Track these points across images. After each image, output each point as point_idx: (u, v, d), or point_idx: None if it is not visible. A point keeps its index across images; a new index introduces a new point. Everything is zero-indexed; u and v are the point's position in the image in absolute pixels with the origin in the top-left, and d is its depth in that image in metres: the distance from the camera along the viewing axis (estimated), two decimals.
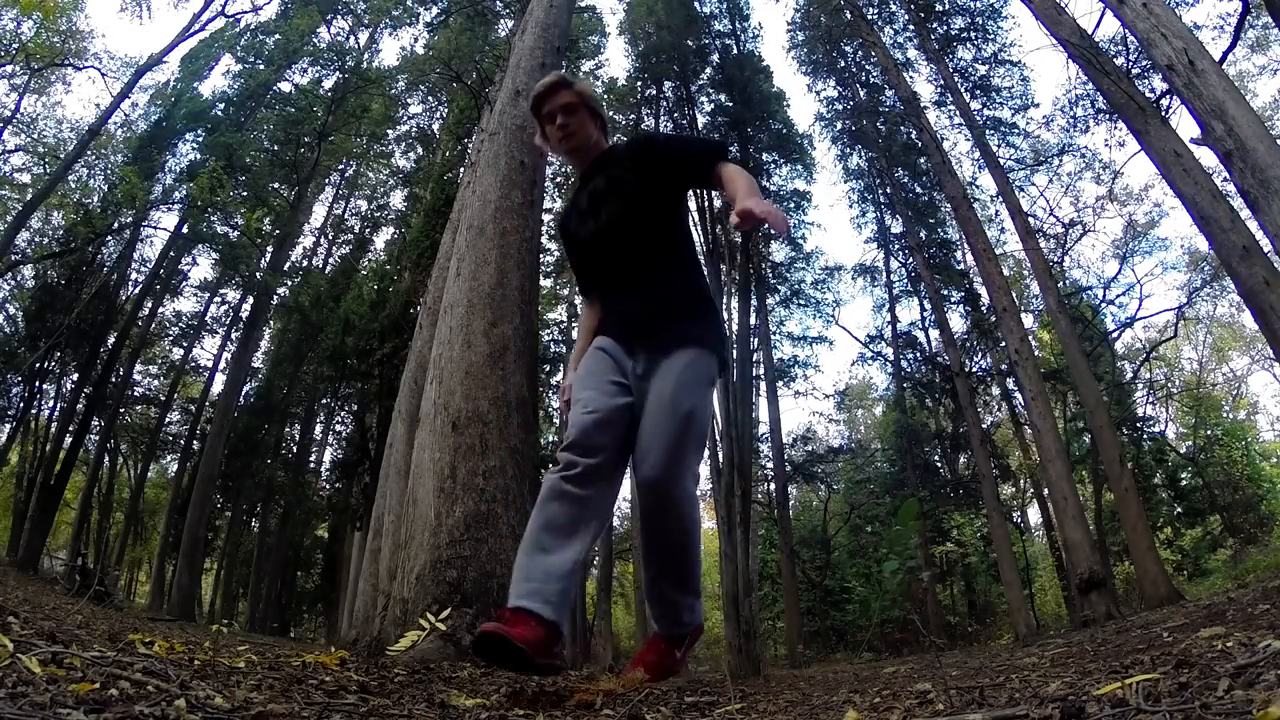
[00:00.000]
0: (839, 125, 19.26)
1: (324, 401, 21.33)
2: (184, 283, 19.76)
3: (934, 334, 17.95)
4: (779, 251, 18.96)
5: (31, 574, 11.75)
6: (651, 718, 1.55)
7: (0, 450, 15.98)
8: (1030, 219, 13.49)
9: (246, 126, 16.45)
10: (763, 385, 17.95)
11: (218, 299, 20.33)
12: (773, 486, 18.35)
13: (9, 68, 14.22)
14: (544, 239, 18.20)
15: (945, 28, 16.34)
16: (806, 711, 1.54)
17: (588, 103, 2.16)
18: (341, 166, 21.84)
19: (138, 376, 19.83)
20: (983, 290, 15.17)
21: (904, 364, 19.13)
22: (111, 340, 15.77)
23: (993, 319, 14.43)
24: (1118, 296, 17.28)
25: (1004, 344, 12.74)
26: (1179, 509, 16.37)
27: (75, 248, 14.81)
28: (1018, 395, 15.18)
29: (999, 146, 15.55)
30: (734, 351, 15.11)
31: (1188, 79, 5.69)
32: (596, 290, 2.14)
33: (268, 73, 16.59)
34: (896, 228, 19.03)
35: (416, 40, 18.92)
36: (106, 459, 19.70)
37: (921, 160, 17.05)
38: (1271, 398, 35.89)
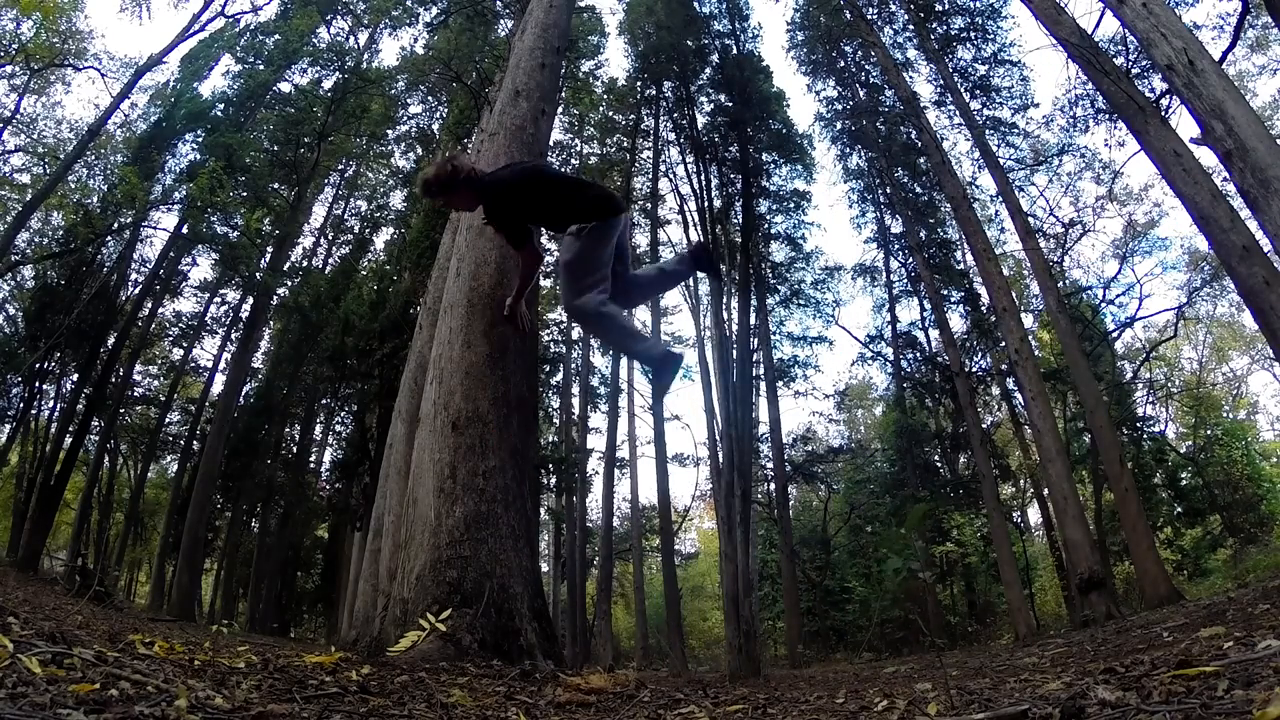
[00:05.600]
0: (839, 125, 19.28)
1: (324, 401, 21.32)
2: (184, 283, 19.76)
3: (934, 334, 17.96)
4: (779, 252, 18.98)
5: (31, 574, 11.75)
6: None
7: (0, 450, 15.97)
8: (1030, 219, 13.49)
9: (246, 127, 16.44)
10: (763, 385, 17.95)
11: (218, 299, 20.34)
12: (773, 486, 18.35)
13: (9, 68, 14.21)
14: (545, 239, 18.19)
15: (945, 28, 16.35)
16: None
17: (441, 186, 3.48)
18: (341, 167, 21.83)
19: (138, 376, 19.84)
20: (983, 290, 15.18)
21: (904, 364, 19.14)
22: (111, 340, 15.76)
23: (993, 319, 14.43)
24: (1118, 296, 17.29)
25: (1004, 344, 12.74)
26: (1179, 509, 16.36)
27: (75, 248, 14.80)
28: (1018, 395, 15.18)
29: (999, 146, 15.56)
30: (734, 351, 15.10)
31: (1187, 79, 5.69)
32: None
33: (267, 73, 16.58)
34: (896, 228, 19.04)
35: (416, 40, 18.93)
36: (106, 459, 19.69)
37: (921, 160, 17.05)
38: (1271, 398, 35.83)
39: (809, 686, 4.26)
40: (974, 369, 17.09)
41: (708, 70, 17.69)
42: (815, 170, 19.78)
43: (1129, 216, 17.86)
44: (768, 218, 18.44)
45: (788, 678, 8.59)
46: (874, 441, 24.96)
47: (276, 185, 17.37)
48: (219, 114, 16.07)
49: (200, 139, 15.79)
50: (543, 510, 19.19)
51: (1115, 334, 17.67)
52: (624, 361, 21.80)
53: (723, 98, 17.59)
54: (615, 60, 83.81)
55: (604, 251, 3.29)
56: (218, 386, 18.64)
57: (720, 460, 13.17)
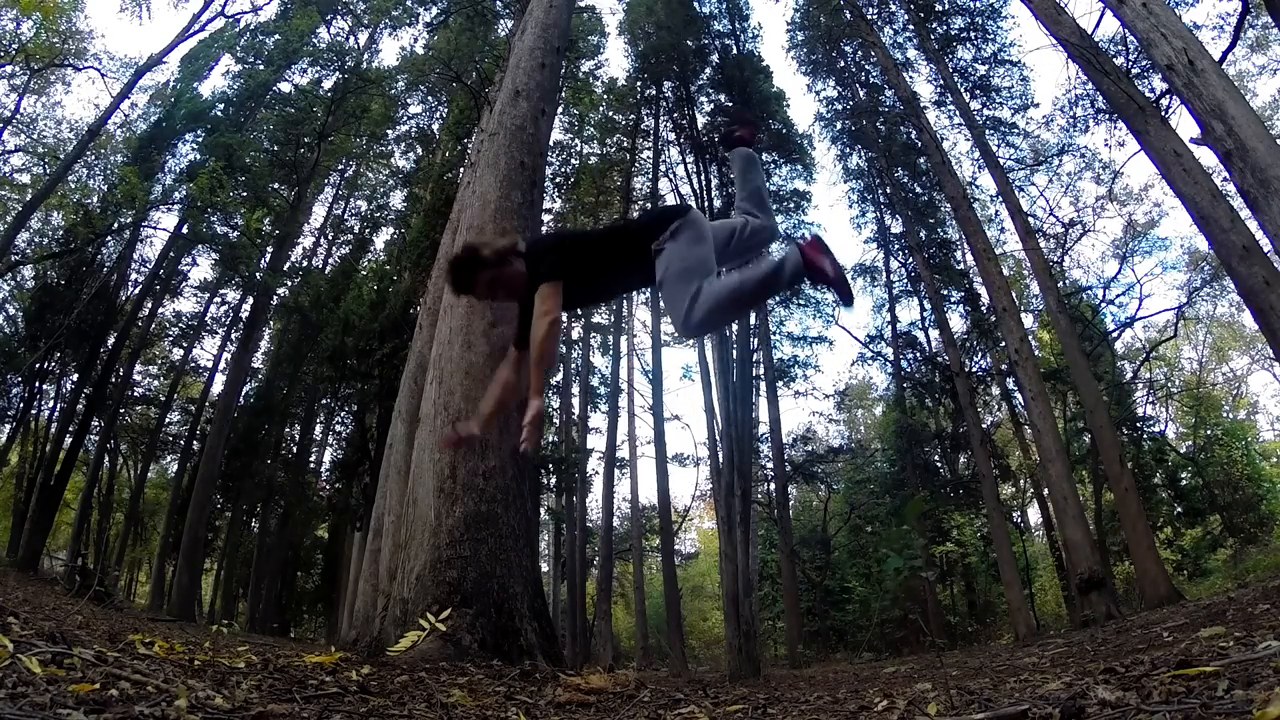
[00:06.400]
0: (839, 125, 19.27)
1: (324, 401, 21.31)
2: (184, 283, 19.76)
3: (934, 334, 17.96)
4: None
5: (31, 574, 11.74)
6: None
7: (0, 450, 15.97)
8: (1030, 219, 13.49)
9: (246, 127, 16.44)
10: (763, 385, 17.95)
11: (218, 299, 20.33)
12: (773, 486, 18.34)
13: (9, 68, 14.21)
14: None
15: (945, 28, 16.35)
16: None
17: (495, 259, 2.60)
18: (341, 167, 21.83)
19: (138, 376, 19.84)
20: (983, 290, 15.17)
21: (904, 364, 19.13)
22: (111, 340, 15.76)
23: (993, 319, 14.43)
24: (1118, 296, 17.27)
25: (1004, 344, 12.74)
26: (1179, 509, 16.36)
27: (75, 248, 14.80)
28: (1018, 395, 15.18)
29: (999, 146, 15.56)
30: (734, 351, 15.08)
31: (1187, 79, 5.69)
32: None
33: (267, 73, 16.58)
34: (896, 228, 19.04)
35: (416, 40, 18.94)
36: (106, 459, 19.68)
37: (921, 160, 17.05)
38: (1271, 398, 35.86)
39: (809, 686, 4.26)
40: (974, 369, 17.08)
41: (708, 70, 17.69)
42: (815, 170, 19.78)
43: (1129, 216, 17.87)
44: None
45: (788, 678, 8.59)
46: (874, 441, 24.95)
47: (276, 185, 17.36)
48: (219, 114, 16.07)
49: (200, 139, 15.79)
50: (543, 510, 19.18)
51: (1115, 334, 17.67)
52: (624, 361, 21.79)
53: (723, 98, 17.59)
54: (615, 60, 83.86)
55: (702, 249, 2.58)
56: (218, 386, 18.65)
57: (720, 460, 13.17)
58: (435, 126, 19.44)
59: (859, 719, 1.39)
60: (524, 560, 3.46)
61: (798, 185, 19.09)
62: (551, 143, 10.59)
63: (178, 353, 20.82)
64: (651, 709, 1.61)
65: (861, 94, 18.75)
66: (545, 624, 3.39)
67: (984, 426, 15.95)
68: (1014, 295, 13.31)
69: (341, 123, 17.44)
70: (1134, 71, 9.61)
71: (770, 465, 18.37)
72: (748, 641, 10.24)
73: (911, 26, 16.50)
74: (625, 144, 20.45)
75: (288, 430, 21.68)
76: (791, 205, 18.84)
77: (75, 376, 15.72)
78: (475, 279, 2.57)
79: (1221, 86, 5.62)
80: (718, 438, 14.35)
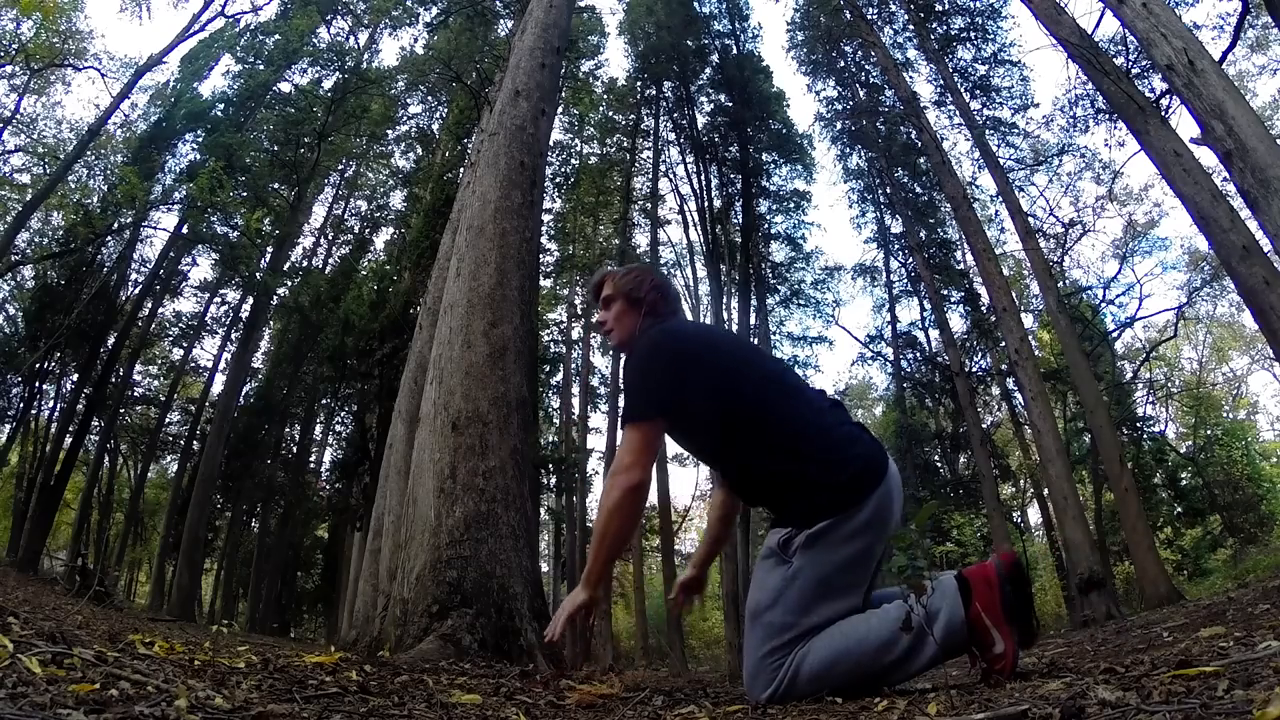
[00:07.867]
0: (839, 125, 19.28)
1: (324, 402, 21.33)
2: (184, 283, 19.77)
3: (934, 334, 17.96)
4: (779, 252, 19.01)
5: (31, 574, 11.74)
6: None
7: (0, 450, 15.98)
8: (1030, 219, 13.48)
9: (246, 127, 16.45)
10: None
11: (218, 299, 20.35)
12: None
13: (9, 68, 14.21)
14: (544, 239, 18.26)
15: (945, 28, 16.35)
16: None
17: (623, 294, 2.21)
18: (341, 167, 21.85)
19: (138, 376, 19.85)
20: (983, 290, 15.17)
21: (904, 364, 19.14)
22: (111, 340, 15.77)
23: (993, 319, 14.43)
24: (1118, 296, 17.27)
25: (1004, 344, 12.74)
26: (1179, 509, 16.37)
27: (75, 248, 14.80)
28: (1018, 395, 15.17)
29: (999, 146, 15.56)
30: None
31: (1187, 79, 5.69)
32: None
33: (267, 73, 16.59)
34: (896, 228, 19.05)
35: (416, 40, 18.97)
36: (106, 459, 19.70)
37: (921, 160, 17.06)
38: (1271, 398, 35.96)
39: None
40: (974, 369, 17.08)
41: (708, 70, 17.71)
42: (815, 170, 19.81)
43: (1129, 216, 17.89)
44: (768, 218, 18.47)
45: None
46: None
47: (276, 185, 17.37)
48: (219, 114, 16.07)
49: (200, 139, 15.80)
50: (543, 510, 19.18)
51: (1115, 334, 17.67)
52: (624, 361, 21.78)
53: (723, 98, 17.62)
54: (615, 60, 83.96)
55: (850, 569, 1.80)
56: (218, 386, 18.67)
57: None
58: (435, 126, 19.46)
59: (859, 718, 1.39)
60: (524, 560, 3.46)
61: (798, 185, 19.11)
62: (551, 143, 10.60)
63: (178, 353, 20.87)
64: (652, 709, 1.61)
65: (861, 94, 18.76)
66: (545, 624, 3.39)
67: (984, 426, 15.95)
68: (1014, 295, 13.30)
69: (341, 123, 17.45)
70: (1134, 71, 9.60)
71: None
72: None
73: (911, 26, 16.51)
74: (625, 144, 20.47)
75: (288, 430, 21.71)
76: (791, 205, 18.86)
77: (75, 376, 15.72)
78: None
79: (1221, 86, 5.62)
80: None
